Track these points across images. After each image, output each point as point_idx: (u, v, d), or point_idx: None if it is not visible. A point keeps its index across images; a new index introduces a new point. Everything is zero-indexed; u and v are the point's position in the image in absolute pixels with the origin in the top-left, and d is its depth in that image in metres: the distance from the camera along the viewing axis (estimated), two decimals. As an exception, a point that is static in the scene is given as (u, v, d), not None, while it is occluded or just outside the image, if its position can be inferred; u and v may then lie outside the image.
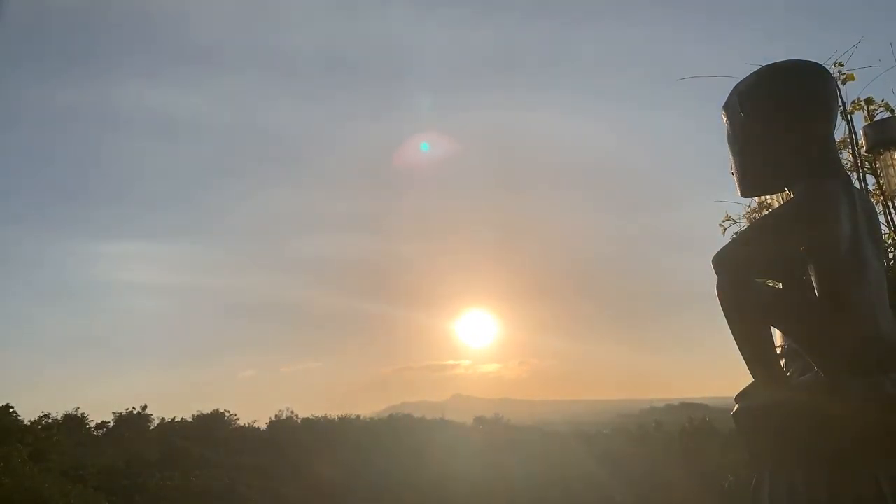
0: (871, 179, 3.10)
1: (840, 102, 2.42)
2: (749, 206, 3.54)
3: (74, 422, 26.16)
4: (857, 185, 2.22)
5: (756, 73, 1.86)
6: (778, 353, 1.80)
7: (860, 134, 2.93)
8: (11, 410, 22.48)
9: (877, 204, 2.93)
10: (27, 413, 23.77)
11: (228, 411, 29.73)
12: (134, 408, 27.86)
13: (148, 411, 28.11)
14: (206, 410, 29.19)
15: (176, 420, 28.71)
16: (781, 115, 1.78)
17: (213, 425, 28.45)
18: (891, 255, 3.01)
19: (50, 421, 24.83)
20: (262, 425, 30.04)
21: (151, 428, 28.01)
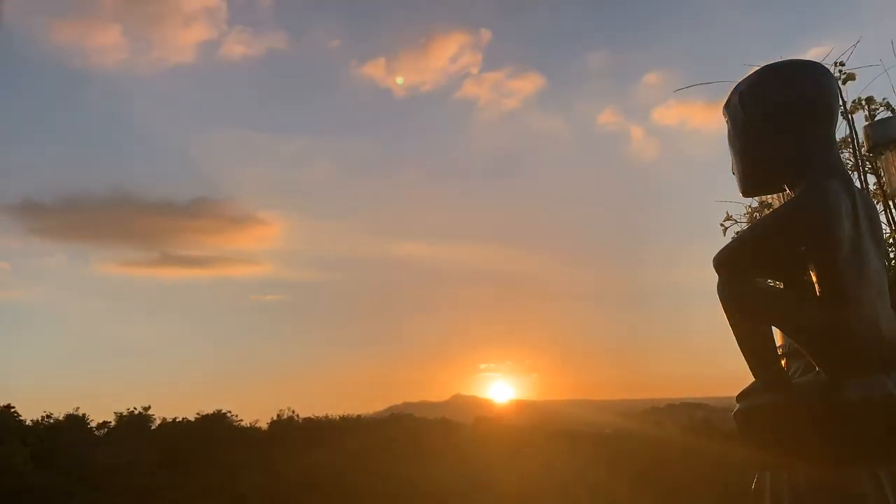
0: (872, 179, 3.11)
1: (841, 102, 2.41)
2: (750, 206, 3.55)
3: (76, 422, 26.17)
4: (858, 184, 2.22)
5: (757, 73, 1.86)
6: (779, 352, 1.80)
7: (861, 133, 2.93)
8: (13, 410, 22.57)
9: (878, 203, 2.93)
10: (29, 413, 23.90)
11: (230, 411, 29.76)
12: (136, 408, 27.89)
13: (150, 412, 28.17)
14: (209, 410, 29.23)
15: (178, 420, 28.74)
16: (782, 115, 1.78)
17: (215, 425, 28.45)
18: (892, 255, 3.01)
19: (51, 421, 24.91)
20: (264, 425, 30.11)
21: (153, 428, 28.02)
